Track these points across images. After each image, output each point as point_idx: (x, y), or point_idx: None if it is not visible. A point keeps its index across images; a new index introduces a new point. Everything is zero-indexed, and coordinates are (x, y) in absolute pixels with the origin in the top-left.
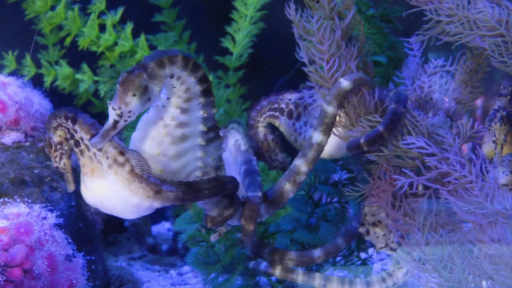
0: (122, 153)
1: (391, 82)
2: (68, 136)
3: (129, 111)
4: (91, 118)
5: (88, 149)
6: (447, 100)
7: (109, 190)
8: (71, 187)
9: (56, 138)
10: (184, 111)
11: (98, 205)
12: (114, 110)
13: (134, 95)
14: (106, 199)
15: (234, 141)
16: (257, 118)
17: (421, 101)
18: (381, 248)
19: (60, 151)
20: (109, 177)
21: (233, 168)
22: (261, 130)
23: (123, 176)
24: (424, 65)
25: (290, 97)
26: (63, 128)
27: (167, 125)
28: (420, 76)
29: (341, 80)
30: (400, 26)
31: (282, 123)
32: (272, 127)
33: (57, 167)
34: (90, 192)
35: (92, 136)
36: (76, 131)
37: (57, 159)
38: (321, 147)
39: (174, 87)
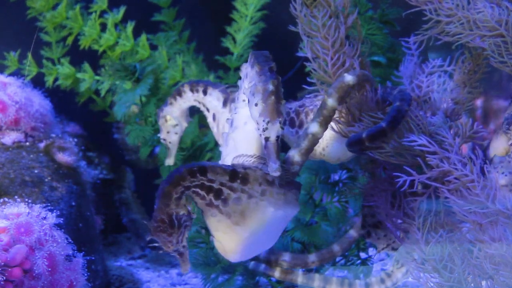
0: (265, 172)
1: (389, 82)
2: (203, 193)
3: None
4: (208, 163)
5: (234, 190)
6: (446, 101)
7: (267, 218)
8: (187, 268)
9: (182, 210)
10: None
11: (251, 249)
12: None
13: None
14: (262, 232)
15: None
16: None
17: (419, 101)
18: (383, 249)
19: (185, 224)
20: (265, 203)
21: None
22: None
23: (278, 192)
24: (422, 64)
25: (290, 106)
26: (192, 189)
27: None
28: (418, 75)
29: (345, 74)
30: (398, 27)
31: (285, 133)
32: None
33: (175, 250)
34: (244, 241)
35: (229, 174)
36: (213, 180)
37: (181, 238)
38: (315, 138)
39: None
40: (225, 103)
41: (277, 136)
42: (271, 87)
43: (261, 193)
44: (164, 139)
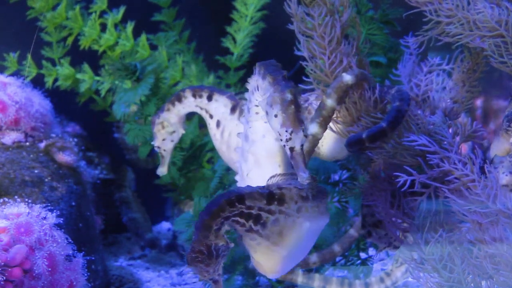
0: (299, 189)
1: (388, 80)
2: (243, 220)
3: None
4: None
5: (272, 213)
6: (444, 100)
7: (304, 233)
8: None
9: (221, 241)
10: None
11: (289, 264)
12: None
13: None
14: (299, 247)
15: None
16: None
17: (417, 100)
18: (384, 247)
19: (223, 254)
20: (301, 220)
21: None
22: None
23: (312, 205)
24: (420, 63)
25: None
26: (231, 219)
27: None
28: (417, 74)
29: (344, 74)
30: (399, 27)
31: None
32: None
33: (211, 279)
34: (283, 259)
35: (266, 198)
36: (251, 207)
37: (218, 267)
38: (316, 139)
39: None
40: (233, 110)
41: (302, 145)
42: (289, 96)
43: (297, 210)
44: (159, 147)
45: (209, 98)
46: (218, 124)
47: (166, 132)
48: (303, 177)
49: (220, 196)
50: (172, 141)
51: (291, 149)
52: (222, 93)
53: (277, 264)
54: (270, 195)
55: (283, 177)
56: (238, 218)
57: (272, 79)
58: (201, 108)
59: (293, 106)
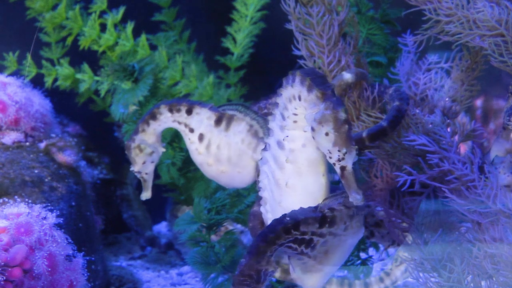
0: (348, 208)
1: (386, 79)
2: (296, 245)
3: None
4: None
5: (323, 236)
6: (443, 99)
7: (347, 249)
8: None
9: (271, 267)
10: None
11: (328, 277)
12: None
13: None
14: (340, 261)
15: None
16: None
17: (415, 99)
18: (388, 246)
19: (269, 278)
20: (347, 237)
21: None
22: None
23: (356, 221)
24: (418, 61)
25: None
26: (285, 245)
27: None
28: (415, 72)
29: (344, 73)
30: (399, 27)
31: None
32: None
33: None
34: (325, 275)
35: (319, 222)
36: (305, 232)
37: None
38: None
39: None
40: (218, 122)
41: (353, 163)
42: (343, 115)
43: (344, 229)
44: (139, 172)
45: (189, 112)
46: (201, 137)
47: (145, 154)
48: (357, 198)
49: (277, 222)
50: (152, 162)
51: (343, 168)
52: (203, 106)
53: (319, 280)
54: (323, 219)
55: (332, 198)
56: (291, 244)
57: (322, 94)
58: (180, 123)
59: (347, 126)
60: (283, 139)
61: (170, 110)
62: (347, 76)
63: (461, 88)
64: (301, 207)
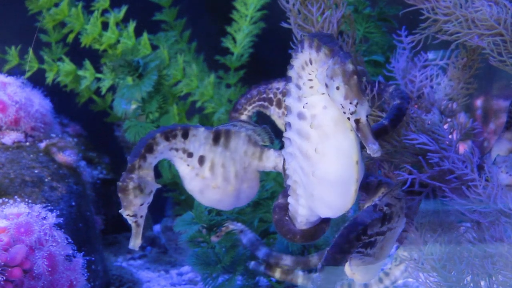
0: (399, 199)
1: (381, 76)
2: (363, 249)
3: None
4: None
5: (383, 234)
6: (440, 97)
7: (394, 241)
8: None
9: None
10: None
11: (379, 268)
12: None
13: None
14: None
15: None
16: (246, 106)
17: (412, 96)
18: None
19: None
20: (399, 228)
21: None
22: (244, 118)
23: (403, 212)
24: (414, 58)
25: (278, 86)
26: (356, 251)
27: None
28: (411, 70)
29: None
30: (396, 25)
31: (272, 113)
32: (262, 116)
33: None
34: (377, 269)
35: (381, 221)
36: (372, 235)
37: None
38: None
39: None
40: (216, 140)
41: (367, 116)
42: (351, 66)
43: (398, 221)
44: (135, 215)
45: (185, 135)
46: (201, 160)
47: (145, 195)
48: (374, 149)
49: (348, 231)
50: (148, 203)
51: (357, 121)
52: (197, 127)
53: (374, 274)
54: (384, 217)
55: (385, 191)
56: (360, 249)
57: (329, 51)
58: (177, 150)
59: (355, 77)
60: (303, 107)
61: (167, 138)
62: None
63: (457, 86)
64: (364, 211)
